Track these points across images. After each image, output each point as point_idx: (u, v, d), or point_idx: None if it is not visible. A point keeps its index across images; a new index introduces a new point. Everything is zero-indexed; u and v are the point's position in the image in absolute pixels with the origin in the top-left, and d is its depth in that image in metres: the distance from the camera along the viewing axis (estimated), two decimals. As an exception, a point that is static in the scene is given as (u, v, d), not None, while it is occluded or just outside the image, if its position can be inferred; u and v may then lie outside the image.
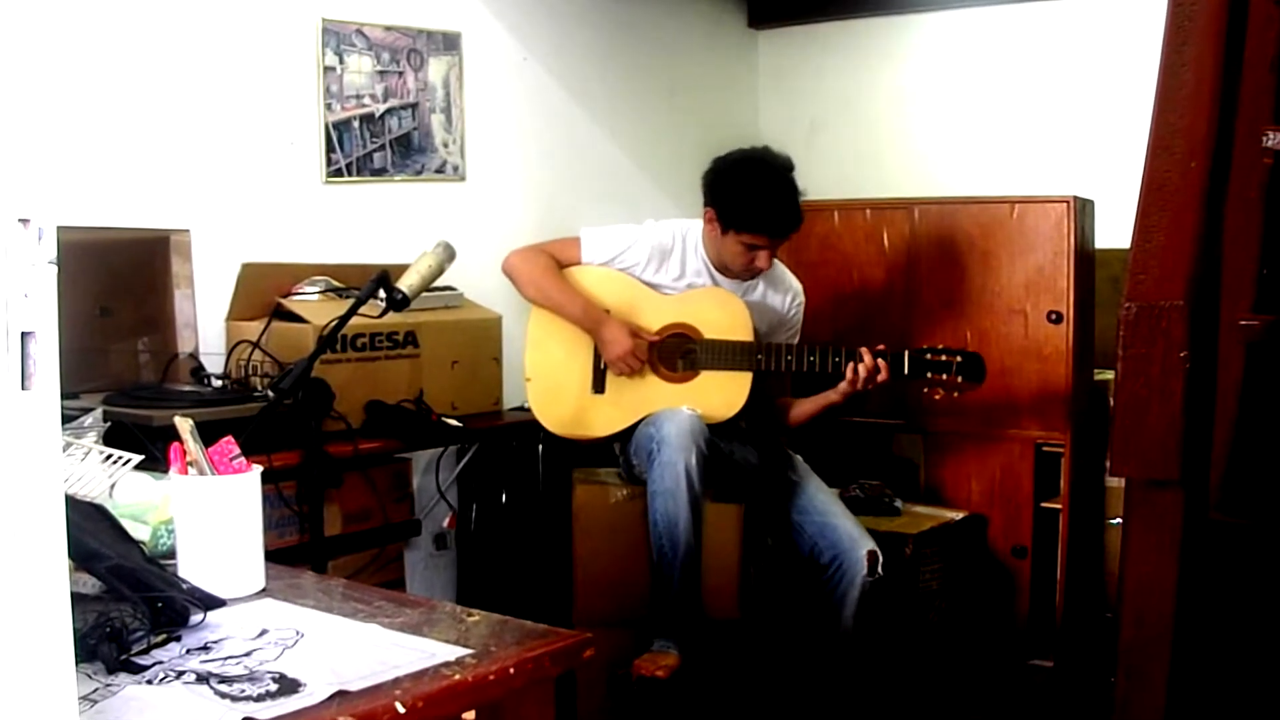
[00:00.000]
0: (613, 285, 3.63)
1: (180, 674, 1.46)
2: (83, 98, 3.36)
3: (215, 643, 1.57)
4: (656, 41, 5.15)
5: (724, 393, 3.50)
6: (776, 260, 3.72)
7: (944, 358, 3.48)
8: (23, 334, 1.09)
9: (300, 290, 3.61)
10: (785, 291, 3.73)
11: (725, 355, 3.51)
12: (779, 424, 3.71)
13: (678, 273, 3.62)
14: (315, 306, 3.51)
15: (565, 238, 3.70)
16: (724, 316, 3.54)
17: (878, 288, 4.35)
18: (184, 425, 1.84)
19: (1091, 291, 4.16)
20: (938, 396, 3.51)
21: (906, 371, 3.48)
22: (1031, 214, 4.06)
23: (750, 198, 3.45)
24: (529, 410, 3.72)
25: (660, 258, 3.61)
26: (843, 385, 3.47)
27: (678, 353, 3.58)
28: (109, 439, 2.43)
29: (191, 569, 1.79)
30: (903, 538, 3.79)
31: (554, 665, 1.58)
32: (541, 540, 3.92)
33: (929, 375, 3.48)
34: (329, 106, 3.95)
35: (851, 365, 3.43)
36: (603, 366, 3.59)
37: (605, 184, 4.91)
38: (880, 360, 3.43)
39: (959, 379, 3.47)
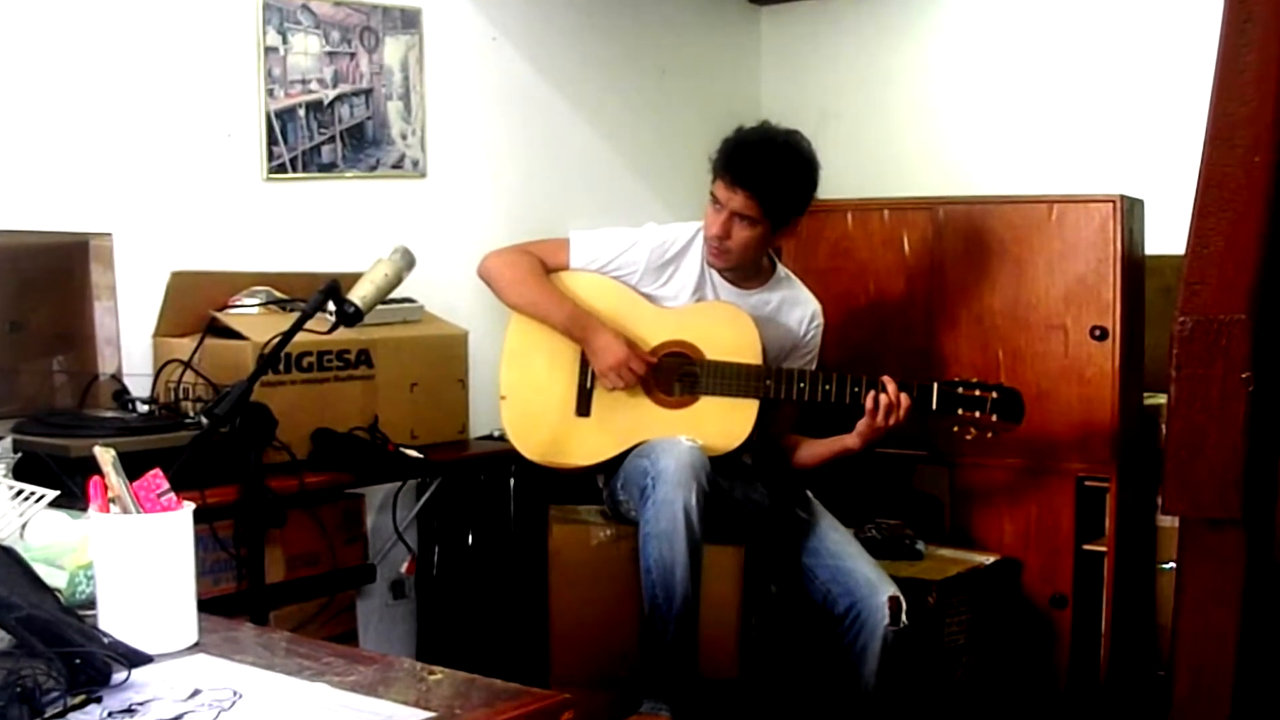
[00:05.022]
0: (604, 294, 3.63)
1: (101, 741, 1.46)
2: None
3: (141, 704, 1.57)
4: (644, 18, 5.17)
5: (726, 422, 3.50)
6: (792, 275, 3.76)
7: (978, 393, 3.49)
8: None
9: (238, 302, 3.60)
10: (802, 310, 3.73)
11: (729, 379, 3.51)
12: (784, 464, 3.71)
13: (680, 284, 3.63)
14: (255, 321, 3.51)
15: (551, 239, 3.71)
16: (730, 335, 3.54)
17: (896, 299, 4.36)
18: (105, 456, 1.84)
19: (1141, 304, 4.18)
20: (969, 436, 3.52)
21: (935, 407, 3.49)
22: (1072, 215, 4.08)
23: (729, 140, 3.49)
24: (500, 438, 3.72)
25: (660, 266, 3.62)
26: (861, 425, 3.47)
27: (675, 374, 3.58)
28: (19, 472, 2.43)
29: (114, 620, 1.78)
30: (925, 585, 3.79)
31: (528, 730, 1.58)
32: (513, 588, 3.91)
33: (960, 412, 3.49)
34: (271, 93, 3.95)
35: (873, 395, 3.43)
36: (589, 385, 3.59)
37: (587, 180, 4.93)
38: (904, 394, 3.43)
39: (993, 418, 3.48)
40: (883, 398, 3.43)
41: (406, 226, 4.17)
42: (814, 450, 3.68)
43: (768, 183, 3.44)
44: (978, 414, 3.49)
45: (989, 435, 3.52)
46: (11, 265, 3.39)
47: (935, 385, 3.50)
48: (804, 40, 5.58)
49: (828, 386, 3.48)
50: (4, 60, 3.38)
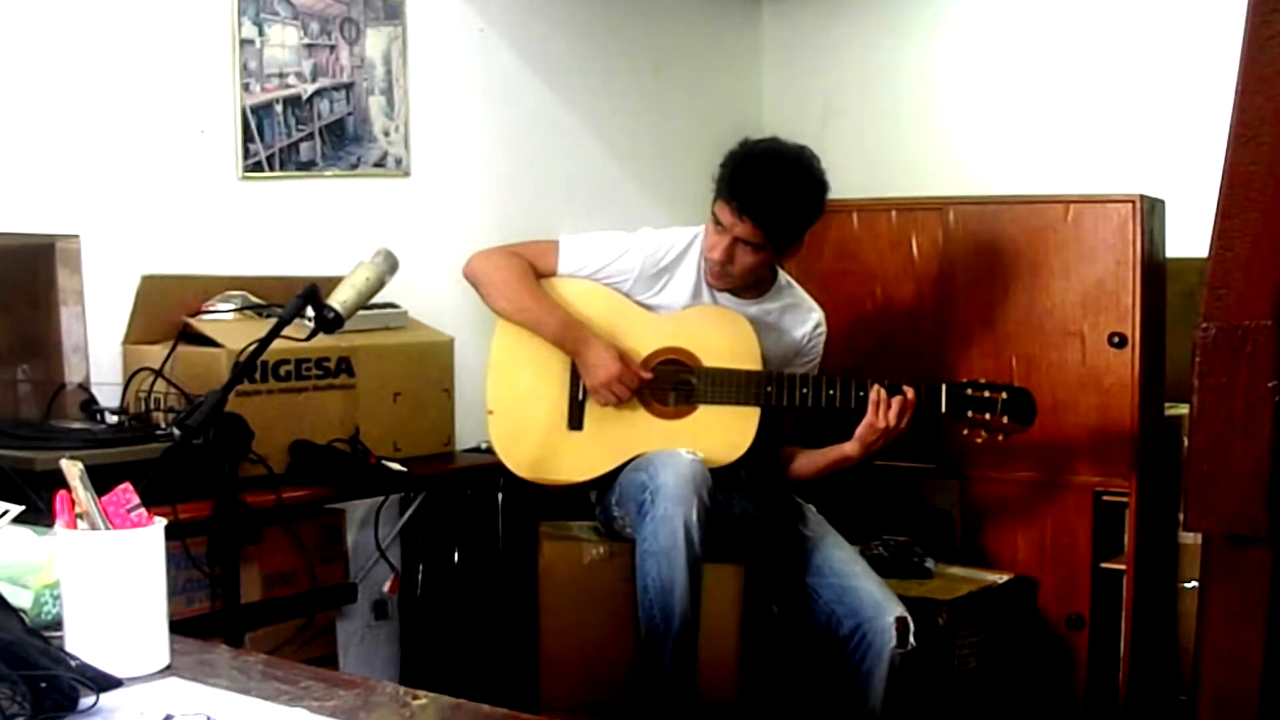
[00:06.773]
0: (595, 302, 3.63)
1: (67, 770, 1.46)
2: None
3: (110, 732, 1.57)
4: (640, 10, 5.18)
5: (726, 432, 3.50)
6: (794, 283, 3.76)
7: (987, 394, 3.49)
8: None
9: (212, 308, 3.60)
10: (804, 319, 3.72)
11: (728, 387, 3.51)
12: (780, 476, 3.70)
13: (675, 293, 3.62)
14: (230, 327, 3.51)
15: (540, 241, 3.70)
16: (727, 340, 3.54)
17: (905, 304, 4.37)
18: (72, 470, 1.83)
19: (1162, 309, 4.18)
20: (979, 439, 3.53)
21: (944, 409, 3.49)
22: (1089, 216, 4.08)
23: (736, 158, 3.46)
24: (488, 450, 3.71)
25: (654, 274, 3.61)
26: (860, 428, 3.46)
27: (671, 383, 3.58)
28: (-19, 486, 2.42)
29: (82, 642, 1.78)
30: (935, 605, 3.79)
31: (517, 758, 1.58)
32: (501, 608, 3.91)
33: (969, 414, 3.50)
34: (246, 87, 3.95)
35: (876, 389, 3.42)
36: (581, 397, 3.59)
37: (579, 180, 4.93)
38: (904, 395, 3.43)
39: (1004, 419, 3.49)
40: (895, 400, 3.42)
41: (389, 228, 4.17)
42: (811, 460, 3.67)
43: (776, 213, 3.42)
44: (988, 415, 3.49)
45: (1000, 438, 3.53)
46: (-27, 268, 3.40)
47: (944, 387, 3.51)
48: (807, 33, 5.59)
49: (832, 391, 3.48)
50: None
